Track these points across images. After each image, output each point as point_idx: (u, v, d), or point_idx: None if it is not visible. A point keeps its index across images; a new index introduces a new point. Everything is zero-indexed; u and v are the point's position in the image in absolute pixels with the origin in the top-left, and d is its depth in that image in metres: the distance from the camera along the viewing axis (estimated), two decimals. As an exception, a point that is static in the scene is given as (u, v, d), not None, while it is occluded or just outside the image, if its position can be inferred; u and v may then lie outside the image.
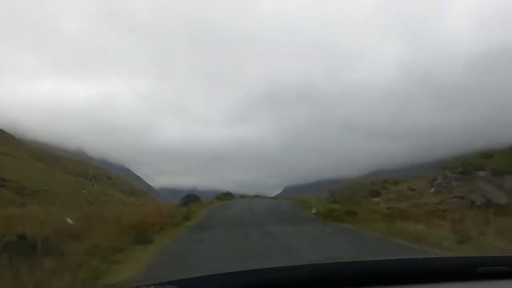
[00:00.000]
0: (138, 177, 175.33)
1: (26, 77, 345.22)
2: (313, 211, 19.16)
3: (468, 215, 10.94)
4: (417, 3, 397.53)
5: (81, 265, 6.28)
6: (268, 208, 23.69)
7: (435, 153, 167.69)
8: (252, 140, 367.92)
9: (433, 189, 22.40)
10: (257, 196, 45.59)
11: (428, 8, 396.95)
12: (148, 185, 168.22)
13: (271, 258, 7.67)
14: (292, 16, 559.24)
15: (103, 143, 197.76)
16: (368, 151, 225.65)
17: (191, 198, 28.29)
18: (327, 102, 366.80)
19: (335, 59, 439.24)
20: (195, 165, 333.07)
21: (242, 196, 42.22)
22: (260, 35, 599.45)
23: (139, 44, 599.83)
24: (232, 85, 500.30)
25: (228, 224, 15.16)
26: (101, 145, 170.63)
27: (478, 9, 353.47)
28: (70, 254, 6.97)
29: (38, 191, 28.30)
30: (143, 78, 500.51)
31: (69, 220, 11.17)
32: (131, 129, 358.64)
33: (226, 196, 38.76)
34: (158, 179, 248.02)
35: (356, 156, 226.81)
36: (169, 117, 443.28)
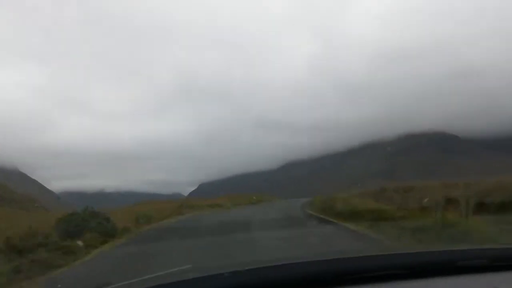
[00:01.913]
0: (33, 181, 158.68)
1: None
2: None
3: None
4: (327, 2, 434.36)
5: None
6: None
7: (343, 143, 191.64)
8: (165, 137, 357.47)
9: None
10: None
11: (335, 7, 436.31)
12: (46, 189, 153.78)
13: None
14: (207, 10, 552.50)
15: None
16: (280, 145, 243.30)
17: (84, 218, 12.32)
18: (242, 98, 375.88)
19: (249, 56, 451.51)
20: (102, 165, 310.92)
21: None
22: (174, 27, 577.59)
23: (31, 29, 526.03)
24: (142, 79, 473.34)
25: None
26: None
27: (381, 10, 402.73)
28: None
29: None
30: (39, 69, 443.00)
31: None
32: (24, 127, 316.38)
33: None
34: (60, 182, 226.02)
35: (269, 149, 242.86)
36: (71, 113, 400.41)
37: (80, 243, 10.43)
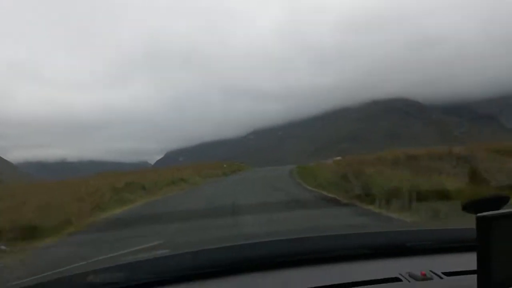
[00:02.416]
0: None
1: None
2: None
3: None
4: None
5: None
6: None
7: (310, 110, 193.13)
8: (130, 104, 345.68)
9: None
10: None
11: None
12: (2, 159, 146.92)
13: None
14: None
15: None
16: (248, 112, 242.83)
17: None
18: (209, 64, 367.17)
19: (215, 20, 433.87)
20: (64, 134, 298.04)
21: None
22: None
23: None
24: (104, 45, 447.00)
25: None
26: None
27: None
28: None
29: None
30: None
31: None
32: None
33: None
34: (19, 152, 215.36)
35: (237, 117, 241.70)
36: (28, 83, 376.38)
37: None
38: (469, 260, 1.15)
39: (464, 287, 1.02)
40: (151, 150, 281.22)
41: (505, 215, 0.75)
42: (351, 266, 1.23)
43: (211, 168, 30.61)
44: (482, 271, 0.75)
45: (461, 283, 1.07)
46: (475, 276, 0.87)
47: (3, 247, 8.03)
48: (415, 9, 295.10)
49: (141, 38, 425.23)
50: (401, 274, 1.11)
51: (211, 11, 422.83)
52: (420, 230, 1.57)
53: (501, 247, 0.74)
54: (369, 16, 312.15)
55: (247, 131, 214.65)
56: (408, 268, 1.14)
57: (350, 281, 1.09)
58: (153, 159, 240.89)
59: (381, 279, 1.10)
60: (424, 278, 1.09)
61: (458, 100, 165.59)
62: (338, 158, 29.10)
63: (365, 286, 1.07)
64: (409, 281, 1.09)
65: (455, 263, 1.20)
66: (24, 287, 1.12)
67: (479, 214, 0.75)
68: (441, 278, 1.10)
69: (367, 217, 7.89)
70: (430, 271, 1.12)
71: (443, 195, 7.90)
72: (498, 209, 0.78)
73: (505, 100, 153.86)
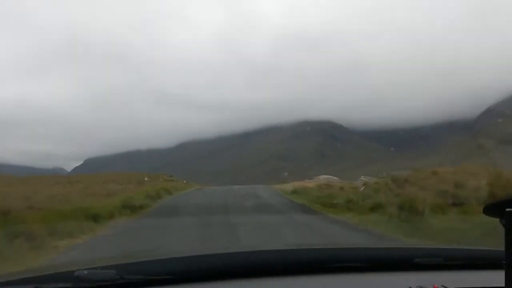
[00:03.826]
0: None
1: None
2: None
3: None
4: None
5: None
6: None
7: (243, 124, 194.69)
8: (46, 102, 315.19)
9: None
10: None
11: None
12: None
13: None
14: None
15: None
16: (179, 122, 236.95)
17: None
18: (141, 67, 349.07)
19: (153, 22, 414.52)
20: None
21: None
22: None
23: None
24: (17, 32, 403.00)
25: None
26: None
27: None
28: None
29: None
30: None
31: None
32: None
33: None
34: None
35: (167, 126, 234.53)
36: None
37: None
38: (479, 278, 1.23)
39: None
40: (67, 155, 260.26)
41: None
42: (360, 278, 1.26)
43: (129, 180, 26.21)
44: (510, 273, 0.74)
45: None
46: None
47: None
48: (350, 34, 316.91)
49: (65, 27, 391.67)
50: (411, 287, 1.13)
51: (147, 11, 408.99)
52: (429, 248, 1.60)
53: None
54: (305, 36, 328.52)
55: (176, 142, 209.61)
56: (418, 282, 1.15)
57: None
58: (69, 165, 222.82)
59: None
60: None
61: (380, 126, 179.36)
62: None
63: None
64: None
65: (466, 280, 1.22)
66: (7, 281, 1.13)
67: (508, 209, 0.74)
68: None
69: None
70: (442, 286, 1.13)
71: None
72: None
73: (420, 129, 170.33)
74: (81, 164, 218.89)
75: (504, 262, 0.75)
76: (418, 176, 15.92)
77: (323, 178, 32.25)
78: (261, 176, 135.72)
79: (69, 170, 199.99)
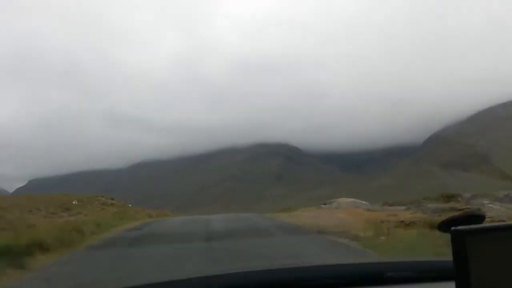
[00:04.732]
0: None
1: None
2: None
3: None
4: (197, 2, 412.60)
5: None
6: None
7: (199, 147, 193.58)
8: None
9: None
10: None
11: (203, 11, 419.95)
12: None
13: None
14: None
15: None
16: (133, 143, 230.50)
17: None
18: (93, 85, 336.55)
19: (108, 39, 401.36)
20: None
21: None
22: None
23: None
24: None
25: None
26: None
27: (247, 22, 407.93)
28: None
29: None
30: None
31: None
32: None
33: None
34: None
35: (119, 146, 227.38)
36: None
37: None
38: None
39: None
40: (8, 176, 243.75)
41: (480, 230, 0.77)
42: None
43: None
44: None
45: None
46: None
47: None
48: (306, 59, 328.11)
49: (8, 41, 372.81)
50: None
51: (100, 26, 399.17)
52: (400, 261, 1.63)
53: (479, 264, 0.74)
54: (262, 60, 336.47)
55: (128, 163, 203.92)
56: None
57: None
58: (11, 186, 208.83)
59: None
60: None
61: (335, 149, 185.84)
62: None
63: None
64: None
65: None
66: None
67: (453, 228, 0.76)
68: None
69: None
70: None
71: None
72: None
73: (372, 153, 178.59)
74: (25, 185, 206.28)
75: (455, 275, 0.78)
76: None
77: (346, 202, 23.64)
78: (217, 199, 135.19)
79: (11, 191, 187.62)
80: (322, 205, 24.08)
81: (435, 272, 1.37)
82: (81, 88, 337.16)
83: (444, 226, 1.01)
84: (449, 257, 0.83)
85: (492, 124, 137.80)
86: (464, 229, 0.75)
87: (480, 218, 0.98)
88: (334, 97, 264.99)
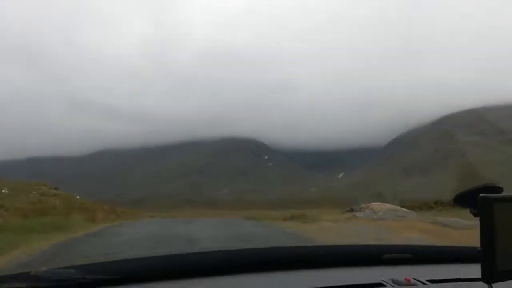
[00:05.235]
0: None
1: None
2: None
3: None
4: None
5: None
6: None
7: (164, 137, 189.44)
8: None
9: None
10: None
11: None
12: None
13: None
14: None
15: None
16: (94, 129, 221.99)
17: None
18: (54, 67, 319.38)
19: (73, 21, 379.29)
20: None
21: None
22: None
23: None
24: None
25: None
26: None
27: (214, 9, 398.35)
28: None
29: None
30: None
31: None
32: None
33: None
34: None
35: (79, 133, 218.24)
36: None
37: None
38: (451, 270, 1.32)
39: None
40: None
41: (508, 198, 0.79)
42: (332, 272, 1.32)
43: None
44: (486, 257, 0.78)
45: None
46: (459, 284, 1.00)
47: None
48: (278, 54, 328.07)
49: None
50: (383, 280, 1.17)
51: (64, 3, 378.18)
52: (397, 245, 1.63)
53: (505, 231, 0.77)
54: (232, 53, 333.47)
55: (90, 150, 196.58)
56: (390, 276, 1.20)
57: (332, 284, 1.14)
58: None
59: (364, 284, 1.15)
60: (408, 284, 1.15)
61: (301, 147, 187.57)
62: None
63: None
64: (392, 286, 1.14)
65: (438, 272, 1.29)
66: None
67: (482, 195, 0.79)
68: (424, 284, 1.15)
69: None
70: (414, 278, 1.18)
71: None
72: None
73: (338, 153, 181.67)
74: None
75: (479, 249, 0.79)
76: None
77: (384, 210, 18.34)
78: (180, 192, 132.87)
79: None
80: (353, 213, 18.75)
81: (432, 255, 1.46)
82: (41, 68, 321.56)
83: (461, 198, 1.02)
84: (449, 243, 0.88)
85: (452, 130, 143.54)
86: (492, 197, 0.78)
87: (499, 189, 1.00)
88: (304, 95, 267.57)
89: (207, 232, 12.78)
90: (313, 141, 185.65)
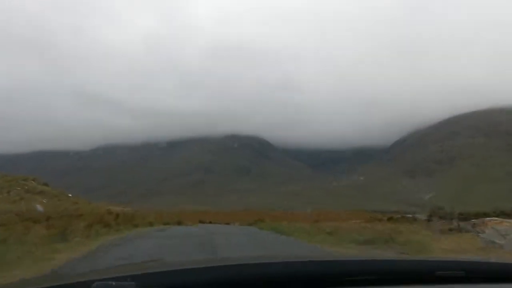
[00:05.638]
0: None
1: None
2: None
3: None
4: None
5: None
6: None
7: (169, 133, 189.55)
8: None
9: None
10: None
11: None
12: None
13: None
14: None
15: None
16: (100, 124, 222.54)
17: None
18: (64, 60, 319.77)
19: (82, 15, 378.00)
20: None
21: None
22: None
23: None
24: None
25: None
26: None
27: (220, 5, 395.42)
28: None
29: None
30: None
31: None
32: None
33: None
34: None
35: (85, 127, 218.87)
36: None
37: None
38: None
39: None
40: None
41: None
42: None
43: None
44: None
45: None
46: None
47: None
48: (284, 52, 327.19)
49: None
50: None
51: (76, 5, 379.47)
52: (450, 260, 1.60)
53: None
54: (238, 50, 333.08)
55: (92, 146, 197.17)
56: None
57: None
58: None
59: None
60: None
61: (305, 145, 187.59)
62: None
63: None
64: None
65: None
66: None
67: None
68: None
69: None
70: None
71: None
72: None
73: (342, 152, 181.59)
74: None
75: None
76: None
77: (506, 229, 10.98)
78: (183, 189, 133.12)
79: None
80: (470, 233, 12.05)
81: (485, 273, 1.38)
82: (48, 61, 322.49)
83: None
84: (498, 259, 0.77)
85: (457, 132, 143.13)
86: None
87: None
88: (309, 93, 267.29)
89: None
90: (317, 140, 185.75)
